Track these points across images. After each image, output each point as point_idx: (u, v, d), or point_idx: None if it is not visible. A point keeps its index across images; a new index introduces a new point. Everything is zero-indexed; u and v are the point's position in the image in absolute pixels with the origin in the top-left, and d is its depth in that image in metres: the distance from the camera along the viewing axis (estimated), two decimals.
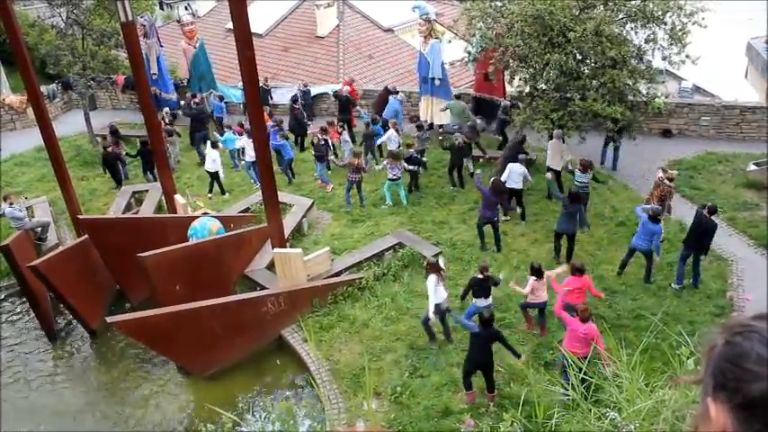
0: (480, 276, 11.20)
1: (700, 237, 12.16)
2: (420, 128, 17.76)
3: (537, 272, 11.06)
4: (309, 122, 20.73)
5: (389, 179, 16.02)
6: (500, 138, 18.74)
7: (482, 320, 9.82)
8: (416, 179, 16.85)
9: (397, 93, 19.77)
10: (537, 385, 8.55)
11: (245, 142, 17.55)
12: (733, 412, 1.22)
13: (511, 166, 14.89)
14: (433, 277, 10.97)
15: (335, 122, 18.83)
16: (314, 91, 22.15)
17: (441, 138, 18.89)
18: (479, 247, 14.20)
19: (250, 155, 17.30)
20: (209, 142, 17.93)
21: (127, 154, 19.12)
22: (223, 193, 17.78)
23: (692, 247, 12.30)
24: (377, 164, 17.91)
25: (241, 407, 11.30)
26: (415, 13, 20.00)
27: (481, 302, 11.26)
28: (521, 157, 15.30)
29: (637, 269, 13.18)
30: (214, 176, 17.53)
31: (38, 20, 24.32)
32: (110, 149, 18.38)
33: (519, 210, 15.25)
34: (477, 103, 20.20)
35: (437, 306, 11.11)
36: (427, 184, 17.13)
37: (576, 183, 14.40)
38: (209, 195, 17.59)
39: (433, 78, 19.29)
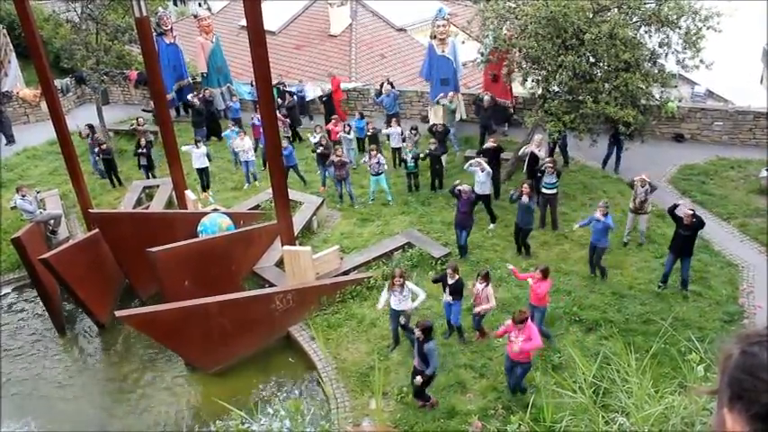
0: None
1: (683, 242, 12.09)
2: (415, 129, 17.57)
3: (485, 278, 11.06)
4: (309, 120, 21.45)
5: (371, 174, 16.10)
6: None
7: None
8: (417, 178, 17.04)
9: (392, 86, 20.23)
10: (545, 388, 8.56)
11: (242, 143, 17.69)
12: (750, 423, 1.21)
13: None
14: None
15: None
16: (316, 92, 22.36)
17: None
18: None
19: (248, 154, 17.65)
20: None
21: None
22: (207, 188, 17.84)
23: (676, 252, 12.24)
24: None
25: (249, 403, 11.31)
26: (433, 15, 19.80)
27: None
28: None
29: (647, 274, 13.13)
30: (202, 172, 17.70)
31: (53, 14, 24.43)
32: (104, 147, 18.48)
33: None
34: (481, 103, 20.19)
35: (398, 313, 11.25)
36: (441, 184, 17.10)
37: (544, 184, 14.40)
38: (206, 194, 17.61)
39: (446, 79, 19.26)
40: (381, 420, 10.09)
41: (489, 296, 10.95)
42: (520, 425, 5.08)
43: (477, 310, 11.16)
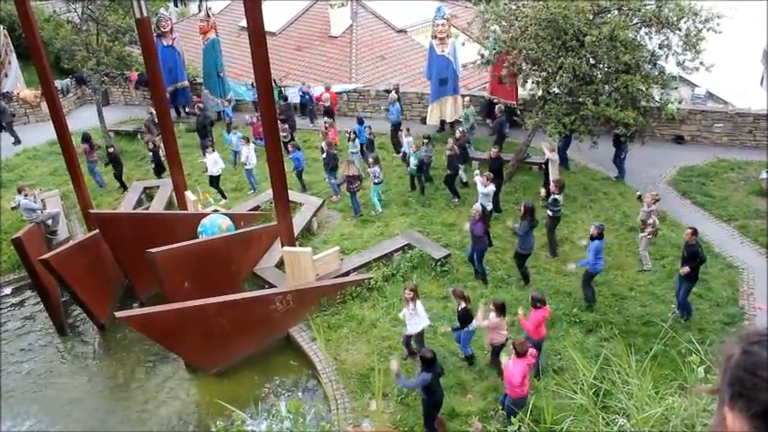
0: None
1: (681, 259, 11.82)
2: (428, 138, 17.20)
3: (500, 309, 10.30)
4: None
5: (374, 183, 15.99)
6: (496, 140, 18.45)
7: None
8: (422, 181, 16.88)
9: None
10: (545, 389, 8.56)
11: (247, 150, 17.64)
12: (750, 421, 1.22)
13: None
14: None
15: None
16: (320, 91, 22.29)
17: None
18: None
19: (251, 162, 17.57)
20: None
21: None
22: (221, 194, 17.82)
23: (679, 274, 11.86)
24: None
25: (249, 404, 11.32)
26: (433, 14, 19.73)
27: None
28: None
29: (647, 275, 13.13)
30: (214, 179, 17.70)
31: (53, 15, 24.46)
32: (111, 150, 18.48)
33: None
34: (490, 106, 20.21)
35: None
36: (438, 186, 17.09)
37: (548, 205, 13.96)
38: (206, 194, 17.58)
39: (444, 79, 19.26)
40: (381, 421, 10.09)
41: (500, 328, 10.35)
42: (520, 426, 5.08)
43: (486, 339, 10.65)
